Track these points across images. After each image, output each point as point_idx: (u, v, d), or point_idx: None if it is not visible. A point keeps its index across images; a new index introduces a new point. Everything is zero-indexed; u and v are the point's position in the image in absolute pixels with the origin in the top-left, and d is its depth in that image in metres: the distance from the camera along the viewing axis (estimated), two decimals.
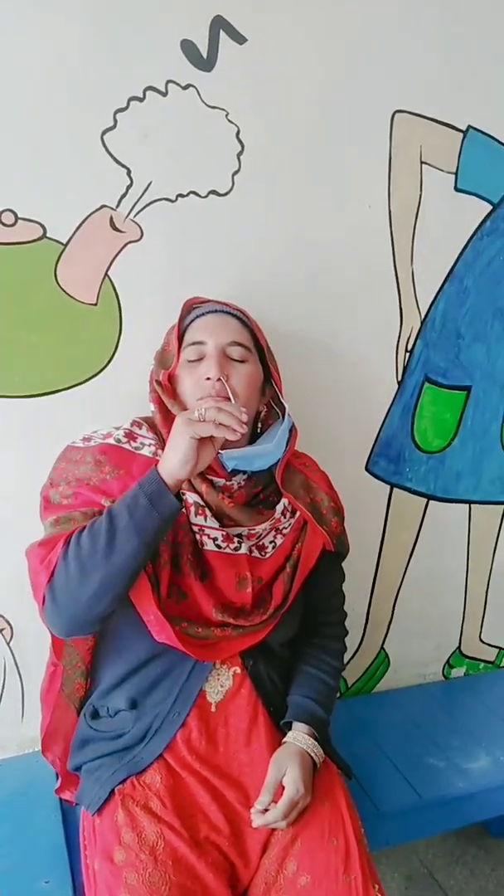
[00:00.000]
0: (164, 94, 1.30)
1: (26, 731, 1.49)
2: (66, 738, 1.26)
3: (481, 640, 1.97)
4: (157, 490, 1.00)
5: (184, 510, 1.12)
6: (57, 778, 1.29)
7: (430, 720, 1.71)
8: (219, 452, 1.11)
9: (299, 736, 1.16)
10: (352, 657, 1.77)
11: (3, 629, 1.43)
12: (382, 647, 1.83)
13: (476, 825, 1.88)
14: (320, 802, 1.12)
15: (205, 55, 1.31)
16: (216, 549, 1.13)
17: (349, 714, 1.70)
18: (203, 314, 1.20)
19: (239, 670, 1.17)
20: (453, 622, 1.92)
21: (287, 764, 1.11)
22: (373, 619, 1.79)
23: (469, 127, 1.55)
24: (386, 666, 1.85)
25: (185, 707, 1.13)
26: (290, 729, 1.18)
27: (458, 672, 1.96)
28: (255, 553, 1.18)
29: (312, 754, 1.15)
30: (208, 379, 1.12)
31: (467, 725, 1.69)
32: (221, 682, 1.16)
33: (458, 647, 1.94)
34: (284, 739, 1.17)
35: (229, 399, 1.10)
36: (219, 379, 1.11)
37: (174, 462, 0.99)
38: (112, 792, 1.10)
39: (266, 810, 1.07)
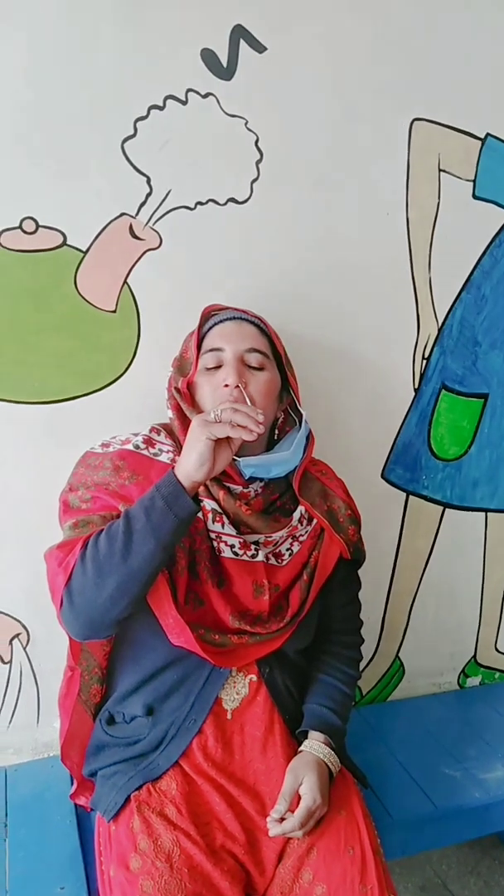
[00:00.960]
0: (184, 103, 1.30)
1: (41, 736, 1.49)
2: (83, 745, 1.26)
3: (497, 650, 1.95)
4: (173, 492, 0.99)
5: (201, 517, 1.12)
6: (72, 783, 1.29)
7: (446, 729, 1.70)
8: (236, 459, 1.12)
9: (315, 745, 1.16)
10: (367, 665, 1.77)
11: (19, 634, 1.43)
12: (397, 656, 1.82)
13: (491, 836, 1.86)
14: (336, 812, 1.12)
15: (224, 64, 1.32)
16: (233, 556, 1.13)
17: (364, 722, 1.69)
18: (221, 321, 1.20)
19: (255, 678, 1.17)
20: (469, 631, 1.91)
21: (304, 773, 1.11)
22: (388, 627, 1.79)
23: (487, 135, 1.54)
24: (401, 674, 1.84)
25: (201, 714, 1.13)
26: (305, 737, 1.18)
27: (473, 681, 1.94)
28: (272, 560, 1.18)
29: (329, 763, 1.14)
30: (226, 386, 1.12)
31: (483, 735, 1.68)
32: (238, 689, 1.16)
33: (474, 657, 1.93)
34: (301, 748, 1.16)
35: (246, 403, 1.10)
36: (237, 386, 1.12)
37: (190, 464, 0.99)
38: (128, 798, 1.10)
39: (282, 819, 1.06)
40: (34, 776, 1.45)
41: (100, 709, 1.25)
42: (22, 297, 1.28)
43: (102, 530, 1.02)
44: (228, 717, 1.15)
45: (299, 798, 1.08)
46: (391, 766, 1.55)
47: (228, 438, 1.01)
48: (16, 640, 1.43)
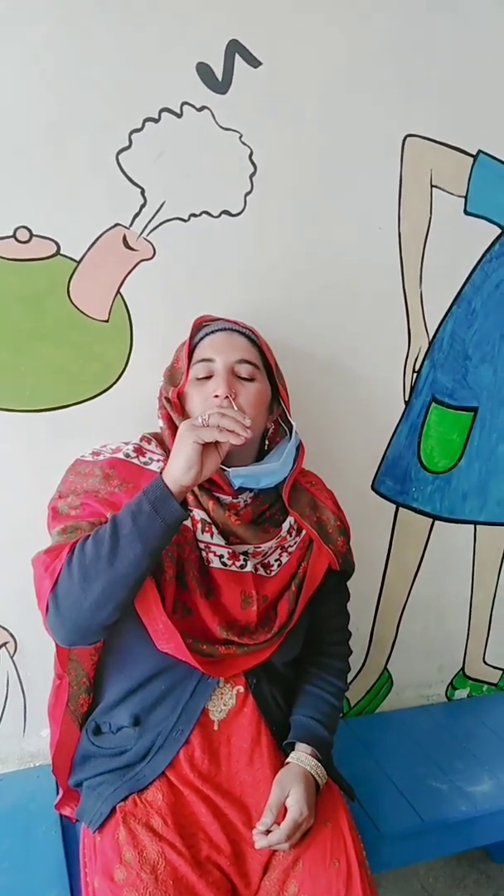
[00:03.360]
0: (179, 116, 1.32)
1: (27, 745, 1.49)
2: (70, 755, 1.25)
3: (485, 662, 1.96)
4: (160, 497, 0.99)
5: (190, 526, 1.13)
6: (58, 793, 1.28)
7: (433, 742, 1.70)
8: (225, 470, 1.12)
9: (303, 756, 1.15)
10: (355, 677, 1.77)
11: (6, 643, 1.43)
12: (386, 668, 1.82)
13: (478, 849, 1.86)
14: (322, 824, 1.11)
15: (220, 78, 1.33)
16: (222, 566, 1.14)
17: (351, 734, 1.69)
18: (213, 332, 1.21)
19: (242, 689, 1.17)
20: (457, 643, 1.91)
21: (290, 785, 1.10)
22: (376, 639, 1.79)
23: (479, 151, 1.56)
24: (389, 686, 1.84)
25: (188, 725, 1.13)
26: (292, 749, 1.18)
27: (461, 694, 1.94)
28: (261, 571, 1.18)
29: (316, 775, 1.14)
30: (216, 396, 1.13)
31: (470, 748, 1.68)
32: (225, 700, 1.16)
33: (462, 669, 1.93)
34: (288, 760, 1.16)
35: None
36: (227, 396, 1.12)
37: (178, 468, 0.99)
38: (113, 809, 1.10)
39: (268, 831, 1.06)
40: (19, 786, 1.44)
41: (86, 719, 1.25)
42: (15, 306, 1.29)
43: (89, 535, 1.02)
44: (215, 728, 1.14)
45: (285, 810, 1.08)
46: (378, 779, 1.55)
47: (217, 444, 1.01)
48: (3, 648, 1.43)
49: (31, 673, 1.45)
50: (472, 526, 1.82)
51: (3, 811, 1.36)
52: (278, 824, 1.06)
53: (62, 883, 1.19)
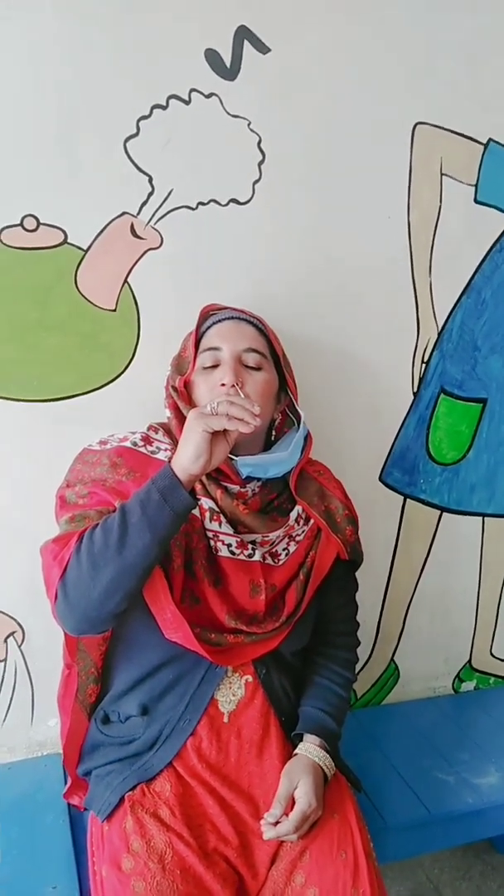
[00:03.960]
0: (188, 103, 1.30)
1: (35, 734, 1.49)
2: (78, 744, 1.25)
3: (492, 655, 1.95)
4: (169, 485, 0.99)
5: (198, 515, 1.12)
6: (66, 782, 1.29)
7: (440, 734, 1.70)
8: (233, 459, 1.12)
9: (311, 748, 1.15)
10: (362, 668, 1.77)
11: (14, 632, 1.43)
12: (392, 660, 1.82)
13: (483, 841, 1.86)
14: (330, 815, 1.12)
15: (228, 64, 1.32)
16: (230, 555, 1.13)
17: (358, 726, 1.69)
18: (220, 321, 1.20)
19: (251, 679, 1.16)
20: (464, 636, 1.91)
21: (299, 777, 1.10)
22: (383, 630, 1.78)
23: (490, 140, 1.55)
24: (396, 678, 1.84)
25: (195, 714, 1.13)
26: (300, 740, 1.18)
27: (468, 686, 1.94)
28: (269, 560, 1.17)
29: (324, 767, 1.14)
30: (223, 385, 1.12)
31: (477, 740, 1.68)
32: (234, 690, 1.15)
33: (469, 661, 1.92)
34: (296, 751, 1.16)
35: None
36: (233, 385, 1.11)
37: (187, 456, 0.98)
38: (122, 799, 1.10)
39: (277, 822, 1.06)
40: (27, 775, 1.44)
41: (95, 709, 1.25)
42: (22, 295, 1.28)
43: (98, 524, 1.02)
44: (225, 720, 1.14)
45: (293, 802, 1.08)
46: (385, 770, 1.55)
47: (226, 432, 1.00)
48: (11, 638, 1.43)
49: (38, 663, 1.45)
50: (479, 518, 1.81)
51: (12, 800, 1.37)
52: (286, 815, 1.06)
53: (70, 872, 1.20)
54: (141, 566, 0.99)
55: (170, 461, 1.01)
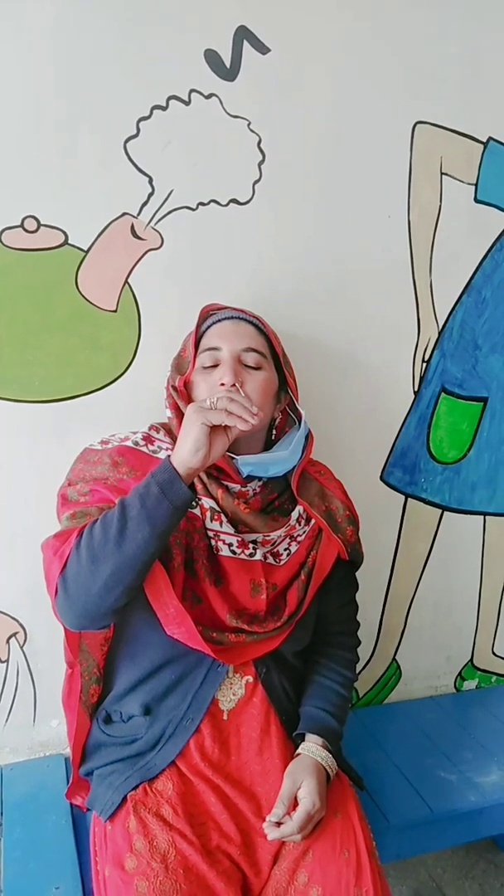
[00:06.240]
0: (187, 103, 1.31)
1: (37, 735, 1.49)
2: (82, 744, 1.25)
3: (494, 653, 1.95)
4: (168, 479, 0.99)
5: (199, 515, 1.12)
6: (68, 782, 1.29)
7: (442, 733, 1.70)
8: (234, 458, 1.12)
9: (313, 748, 1.15)
10: (363, 668, 1.77)
11: (16, 633, 1.43)
12: (394, 659, 1.82)
13: (486, 840, 1.86)
14: (332, 814, 1.12)
15: (228, 65, 1.32)
16: (231, 554, 1.14)
17: (360, 725, 1.69)
18: (219, 320, 1.20)
19: (251, 679, 1.17)
20: (466, 634, 1.91)
21: (302, 777, 1.10)
22: (385, 629, 1.79)
23: (490, 139, 1.55)
24: (398, 677, 1.84)
25: (198, 714, 1.13)
26: (302, 740, 1.18)
27: (470, 684, 1.94)
28: (270, 560, 1.18)
29: (326, 766, 1.14)
30: (223, 385, 1.12)
31: (479, 738, 1.68)
32: (234, 690, 1.16)
33: (471, 660, 1.93)
34: (298, 751, 1.16)
35: None
36: (233, 385, 1.11)
37: (186, 450, 0.98)
38: (124, 798, 1.10)
39: (280, 823, 1.06)
40: (30, 775, 1.44)
41: (97, 709, 1.25)
42: (23, 296, 1.28)
43: (98, 519, 1.02)
44: (224, 717, 1.15)
45: (297, 802, 1.08)
46: (387, 769, 1.55)
47: (225, 427, 1.01)
48: (13, 638, 1.43)
49: (40, 663, 1.45)
50: (481, 517, 1.81)
51: (14, 800, 1.37)
52: (289, 816, 1.06)
53: (73, 872, 1.20)
54: (140, 560, 0.98)
55: (169, 456, 1.01)
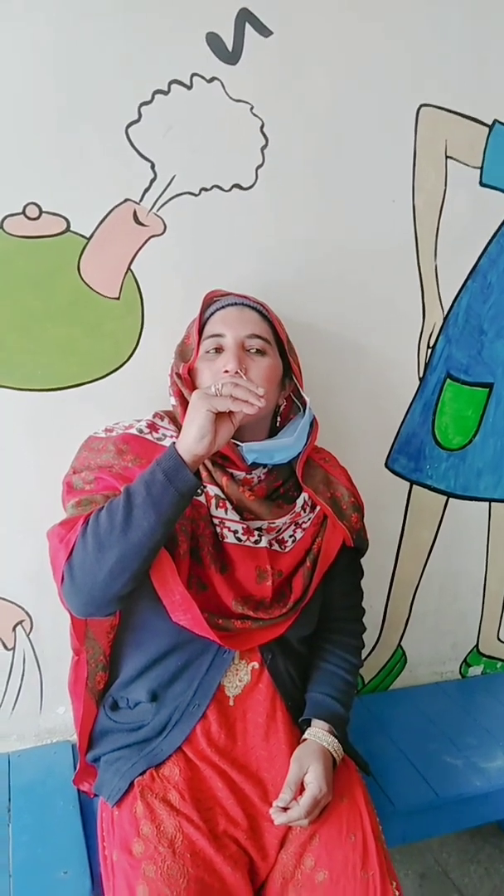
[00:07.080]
0: (189, 88, 1.29)
1: (44, 722, 1.50)
2: (89, 731, 1.26)
3: (499, 639, 1.95)
4: (174, 466, 0.98)
5: (204, 503, 1.12)
6: (75, 769, 1.30)
7: (448, 718, 1.71)
8: (239, 445, 1.12)
9: (320, 733, 1.16)
10: (369, 654, 1.77)
11: (22, 621, 1.43)
12: (400, 645, 1.82)
13: (491, 824, 1.87)
14: (339, 799, 1.12)
15: (230, 48, 1.30)
16: (236, 541, 1.14)
17: (366, 711, 1.70)
18: (223, 307, 1.20)
19: (257, 665, 1.17)
20: (471, 620, 1.91)
21: (309, 762, 1.11)
22: (390, 616, 1.79)
23: (495, 121, 1.53)
24: (403, 663, 1.84)
25: (204, 699, 1.13)
26: (308, 725, 1.18)
27: (475, 671, 1.95)
28: (276, 547, 1.18)
29: (333, 751, 1.15)
30: (226, 371, 1.11)
31: (485, 724, 1.68)
32: (240, 676, 1.16)
33: (476, 646, 1.93)
34: (304, 736, 1.17)
35: None
36: (237, 371, 1.11)
37: (191, 436, 0.98)
38: (131, 784, 1.11)
39: (287, 808, 1.07)
40: (37, 762, 1.45)
41: (103, 696, 1.26)
42: (25, 284, 1.27)
43: (104, 507, 1.02)
44: (231, 703, 1.15)
45: (303, 787, 1.09)
46: (393, 755, 1.56)
47: (230, 414, 1.00)
48: (19, 626, 1.44)
49: (46, 651, 1.46)
50: (486, 503, 1.81)
51: (22, 787, 1.38)
52: (296, 801, 1.07)
53: (81, 857, 1.21)
54: (146, 546, 0.99)
55: (174, 443, 1.01)
